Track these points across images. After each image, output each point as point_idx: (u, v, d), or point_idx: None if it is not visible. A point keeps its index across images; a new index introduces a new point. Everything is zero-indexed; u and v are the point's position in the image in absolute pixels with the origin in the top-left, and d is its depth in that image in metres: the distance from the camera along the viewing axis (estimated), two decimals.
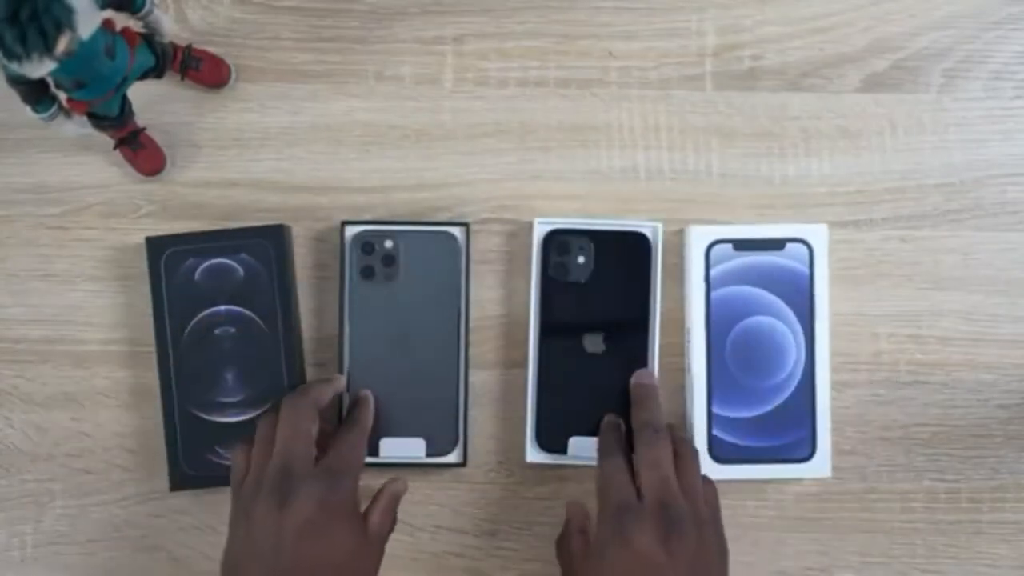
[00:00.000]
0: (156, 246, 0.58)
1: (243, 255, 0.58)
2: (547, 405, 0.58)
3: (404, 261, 0.58)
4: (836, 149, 0.61)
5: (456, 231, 0.58)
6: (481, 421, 0.59)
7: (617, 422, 0.56)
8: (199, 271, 0.57)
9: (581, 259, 0.58)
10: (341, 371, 0.58)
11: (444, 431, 0.58)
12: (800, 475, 0.59)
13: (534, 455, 0.58)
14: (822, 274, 0.59)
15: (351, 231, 0.58)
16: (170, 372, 0.57)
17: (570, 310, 0.58)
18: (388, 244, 0.58)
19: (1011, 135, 0.61)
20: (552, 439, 0.58)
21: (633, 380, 0.57)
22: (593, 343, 0.58)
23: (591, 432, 0.57)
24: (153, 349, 0.58)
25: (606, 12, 0.61)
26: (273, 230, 0.58)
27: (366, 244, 0.58)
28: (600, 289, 0.58)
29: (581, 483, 0.59)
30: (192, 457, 0.57)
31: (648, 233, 0.59)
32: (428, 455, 0.58)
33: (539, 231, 0.58)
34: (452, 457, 0.58)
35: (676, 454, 0.52)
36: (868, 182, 0.61)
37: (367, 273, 0.58)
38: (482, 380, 0.59)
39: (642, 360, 0.58)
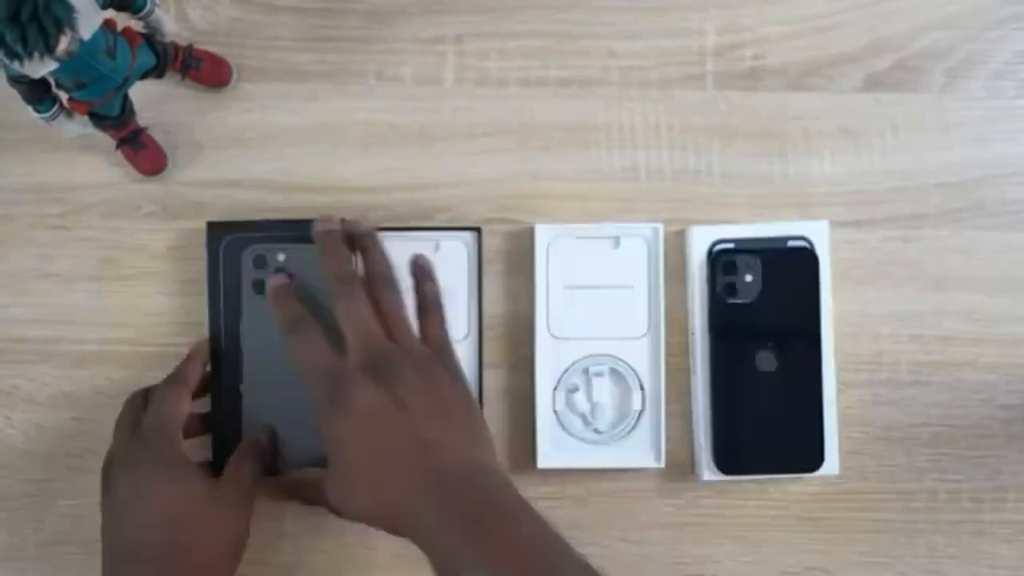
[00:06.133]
0: (217, 231, 0.57)
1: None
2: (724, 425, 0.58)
3: (297, 276, 0.56)
4: (837, 149, 0.61)
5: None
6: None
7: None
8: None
9: (748, 278, 0.58)
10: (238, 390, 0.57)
11: None
12: (808, 472, 0.59)
13: (544, 460, 0.58)
14: (824, 271, 0.59)
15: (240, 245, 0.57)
16: (221, 360, 0.57)
17: (741, 329, 0.58)
18: (281, 258, 0.57)
19: (1013, 135, 0.61)
20: (730, 459, 0.58)
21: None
22: (766, 361, 0.58)
23: (767, 451, 0.58)
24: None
25: (607, 11, 0.61)
26: None
27: (258, 258, 0.57)
28: (768, 307, 0.58)
29: (582, 483, 0.59)
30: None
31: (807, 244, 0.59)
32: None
33: (699, 246, 0.59)
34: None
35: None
36: (869, 182, 0.61)
37: (260, 288, 0.56)
38: (485, 380, 0.59)
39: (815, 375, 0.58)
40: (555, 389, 0.59)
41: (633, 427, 0.59)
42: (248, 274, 0.57)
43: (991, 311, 0.61)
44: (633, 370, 0.59)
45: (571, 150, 0.61)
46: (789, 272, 0.58)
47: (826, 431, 0.58)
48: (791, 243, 0.59)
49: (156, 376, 0.59)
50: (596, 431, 0.59)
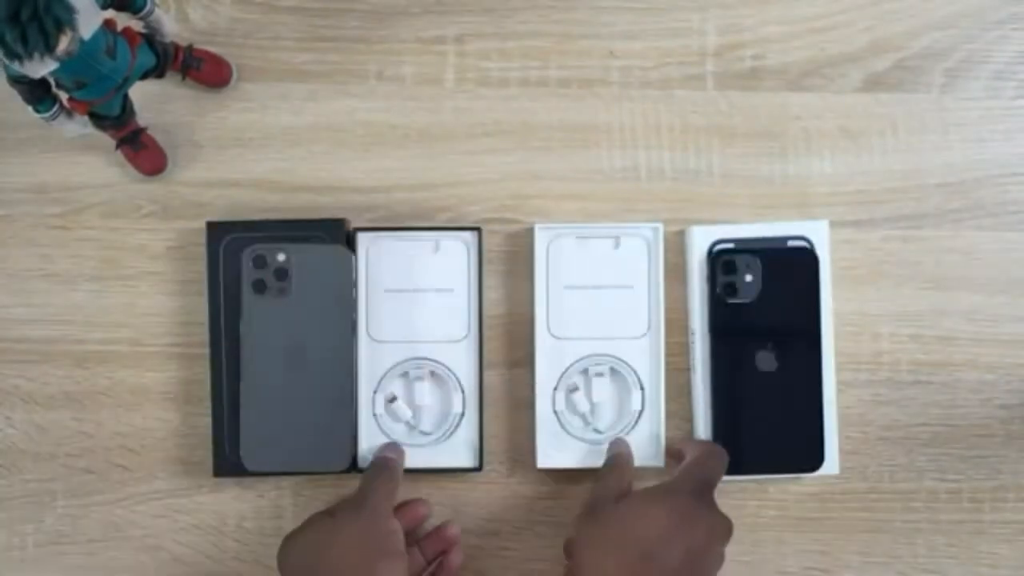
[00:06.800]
0: (216, 231, 0.58)
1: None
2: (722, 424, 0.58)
3: (297, 275, 0.57)
4: (837, 149, 0.61)
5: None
6: (484, 420, 0.59)
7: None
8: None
9: (749, 278, 0.58)
10: (236, 386, 0.57)
11: (337, 446, 0.57)
12: (808, 472, 0.59)
13: (544, 460, 0.58)
14: (824, 271, 0.59)
15: (240, 245, 0.57)
16: (222, 359, 0.57)
17: (741, 329, 0.58)
18: (281, 258, 0.57)
19: (1012, 135, 0.61)
20: (730, 459, 0.57)
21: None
22: (766, 361, 0.58)
23: (767, 451, 0.58)
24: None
25: (607, 12, 0.61)
26: (333, 224, 0.58)
27: (258, 258, 0.57)
28: (769, 307, 0.58)
29: (582, 484, 0.59)
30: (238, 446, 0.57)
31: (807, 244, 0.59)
32: (321, 469, 0.57)
33: (699, 246, 0.59)
34: (467, 461, 0.58)
35: None
36: (869, 182, 0.61)
37: (259, 287, 0.57)
38: (485, 379, 0.59)
39: (815, 375, 0.58)
40: (555, 389, 0.59)
41: (633, 427, 0.59)
42: (248, 274, 0.57)
43: (991, 311, 0.61)
44: (633, 370, 0.59)
45: (571, 150, 0.61)
46: (789, 272, 0.58)
47: (826, 431, 0.58)
48: (791, 243, 0.59)
49: (156, 376, 0.59)
50: (596, 431, 0.59)
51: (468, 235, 0.59)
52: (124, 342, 0.60)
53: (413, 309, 0.59)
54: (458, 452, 0.59)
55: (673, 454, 0.58)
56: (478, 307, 0.58)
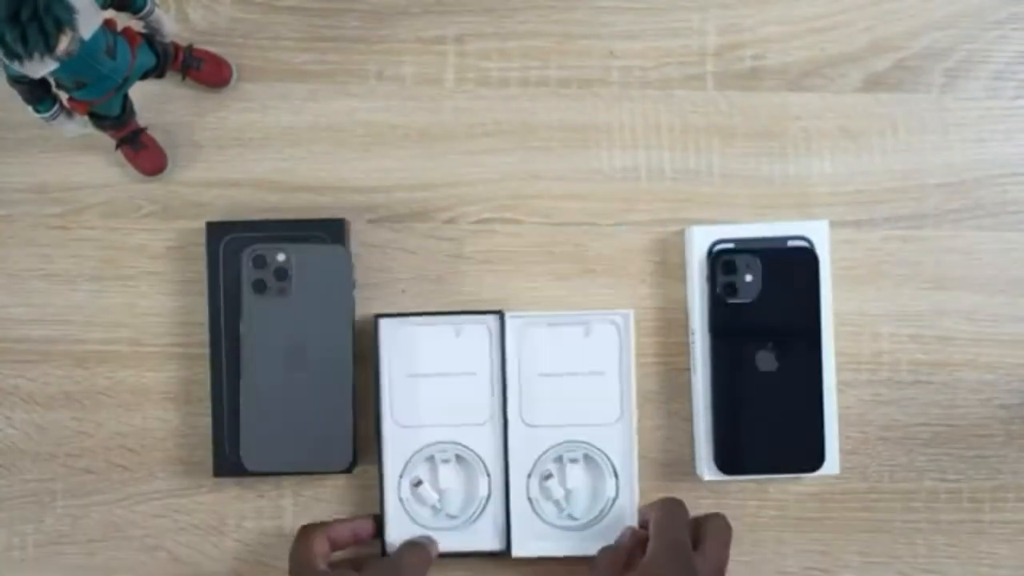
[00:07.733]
0: (216, 231, 0.58)
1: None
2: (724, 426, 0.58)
3: (297, 275, 0.56)
4: (837, 149, 0.61)
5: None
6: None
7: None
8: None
9: (749, 278, 0.58)
10: (236, 386, 0.57)
11: (337, 446, 0.57)
12: (808, 472, 0.59)
13: (519, 550, 0.57)
14: (824, 271, 0.59)
15: (240, 245, 0.57)
16: (221, 359, 0.57)
17: (741, 329, 0.58)
18: (281, 258, 0.57)
19: (1012, 135, 0.61)
20: (730, 459, 0.58)
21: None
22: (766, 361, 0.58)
23: (767, 451, 0.58)
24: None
25: (607, 12, 0.61)
26: (333, 224, 0.58)
27: (258, 258, 0.57)
28: (769, 307, 0.58)
29: None
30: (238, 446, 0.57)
31: (806, 244, 0.58)
32: (321, 469, 0.58)
33: (699, 246, 0.58)
34: (494, 544, 0.58)
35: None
36: (869, 182, 0.61)
37: (259, 287, 0.56)
38: None
39: (815, 375, 0.58)
40: (529, 476, 0.58)
41: (608, 513, 0.58)
42: (248, 274, 0.57)
43: (991, 311, 0.61)
44: (607, 456, 0.58)
45: (571, 150, 0.61)
46: (789, 272, 0.58)
47: (826, 431, 0.58)
48: (791, 243, 0.59)
49: (156, 376, 0.59)
50: (571, 517, 0.58)
51: (490, 319, 0.58)
52: (124, 342, 0.60)
53: (437, 393, 0.58)
54: (484, 535, 0.58)
55: (644, 525, 0.57)
56: (502, 390, 0.57)
